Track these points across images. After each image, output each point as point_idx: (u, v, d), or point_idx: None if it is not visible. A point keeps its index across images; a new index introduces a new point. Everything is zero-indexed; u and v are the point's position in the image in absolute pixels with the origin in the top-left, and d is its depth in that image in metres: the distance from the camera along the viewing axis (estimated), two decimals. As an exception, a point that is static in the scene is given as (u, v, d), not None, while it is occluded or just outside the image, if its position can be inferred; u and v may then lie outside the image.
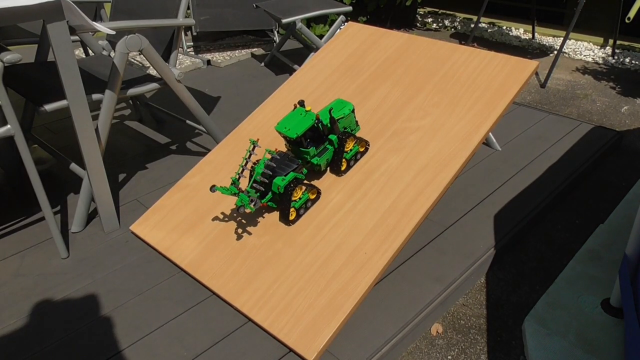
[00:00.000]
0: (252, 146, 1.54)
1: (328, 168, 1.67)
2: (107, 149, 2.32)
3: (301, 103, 1.60)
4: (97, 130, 1.68)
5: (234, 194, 1.46)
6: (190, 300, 1.46)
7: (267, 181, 1.51)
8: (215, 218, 1.63)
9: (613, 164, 2.28)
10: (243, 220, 1.60)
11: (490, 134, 2.13)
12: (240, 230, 1.57)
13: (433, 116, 1.72)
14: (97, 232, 1.75)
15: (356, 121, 1.70)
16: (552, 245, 1.79)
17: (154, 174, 2.11)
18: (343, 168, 1.63)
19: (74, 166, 1.80)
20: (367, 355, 1.27)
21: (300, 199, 1.53)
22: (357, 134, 1.73)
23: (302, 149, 1.57)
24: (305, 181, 1.57)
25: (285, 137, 1.57)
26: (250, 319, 1.38)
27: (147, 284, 1.52)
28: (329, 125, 1.60)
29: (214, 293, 1.47)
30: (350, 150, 1.63)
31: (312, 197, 1.57)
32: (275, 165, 1.53)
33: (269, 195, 1.54)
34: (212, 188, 1.46)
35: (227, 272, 1.47)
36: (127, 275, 1.55)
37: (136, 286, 1.51)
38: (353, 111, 1.66)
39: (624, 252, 1.46)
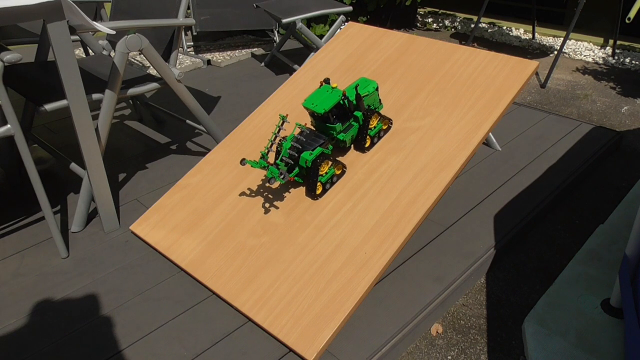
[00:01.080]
0: (281, 121, 1.58)
1: (352, 145, 1.71)
2: (107, 149, 2.32)
3: (327, 81, 1.65)
4: (97, 130, 1.68)
5: (263, 167, 1.51)
6: (190, 300, 1.46)
7: (296, 155, 1.55)
8: (215, 218, 1.63)
9: (613, 164, 2.28)
10: (243, 220, 1.60)
11: (490, 134, 2.13)
12: (240, 230, 1.57)
13: (433, 116, 1.72)
14: (97, 231, 1.75)
15: (379, 99, 1.75)
16: (552, 245, 1.79)
17: (154, 174, 2.11)
18: (367, 145, 1.67)
19: (74, 166, 1.80)
20: (367, 355, 1.27)
21: (326, 173, 1.57)
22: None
23: (328, 124, 1.61)
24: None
25: (312, 113, 1.61)
26: (250, 319, 1.38)
27: (147, 284, 1.52)
28: (354, 102, 1.64)
29: (214, 293, 1.47)
30: (374, 127, 1.67)
31: (338, 172, 1.62)
32: (303, 140, 1.57)
33: (296, 170, 1.58)
34: (243, 161, 1.51)
35: (227, 272, 1.47)
36: (127, 275, 1.55)
37: (136, 286, 1.51)
38: (377, 89, 1.71)
39: (624, 252, 1.46)
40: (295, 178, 1.62)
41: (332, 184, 1.60)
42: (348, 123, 1.64)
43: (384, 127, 1.71)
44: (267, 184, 1.66)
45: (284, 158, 1.54)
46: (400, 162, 1.61)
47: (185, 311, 1.42)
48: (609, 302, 1.44)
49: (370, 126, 1.66)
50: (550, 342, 1.32)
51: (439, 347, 1.41)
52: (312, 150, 1.55)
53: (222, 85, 3.07)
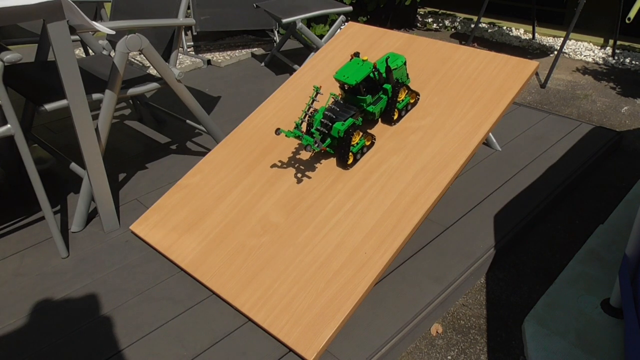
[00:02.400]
0: (315, 93, 1.62)
1: (380, 119, 1.75)
2: (107, 148, 2.32)
3: (357, 54, 1.70)
4: (97, 129, 1.68)
5: (298, 137, 1.57)
6: (190, 300, 1.46)
7: (329, 124, 1.59)
8: (215, 218, 1.63)
9: (613, 164, 2.28)
10: (243, 220, 1.60)
11: (490, 134, 2.13)
12: (240, 230, 1.57)
13: (433, 116, 1.72)
14: (97, 231, 1.75)
15: (407, 74, 1.79)
16: (552, 245, 1.79)
17: (154, 173, 2.11)
18: (395, 117, 1.71)
19: (74, 166, 1.80)
20: (367, 355, 1.27)
21: (357, 144, 1.62)
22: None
23: (359, 96, 1.65)
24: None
25: (342, 86, 1.66)
26: (250, 319, 1.38)
27: (147, 284, 1.52)
28: (384, 74, 1.68)
29: (214, 293, 1.47)
30: (402, 100, 1.71)
31: (368, 143, 1.66)
32: (337, 110, 1.62)
33: (328, 140, 1.62)
34: (277, 131, 1.55)
35: (227, 272, 1.47)
36: (127, 275, 1.55)
37: (136, 286, 1.51)
38: (405, 64, 1.75)
39: (624, 252, 1.46)
40: (327, 149, 1.67)
41: (363, 154, 1.66)
42: (377, 95, 1.69)
43: (412, 101, 1.75)
44: (302, 151, 1.74)
45: (317, 128, 1.59)
46: (400, 162, 1.61)
47: (185, 311, 1.42)
48: (609, 302, 1.44)
49: (398, 99, 1.70)
50: (550, 342, 1.32)
51: (439, 347, 1.41)
52: (344, 120, 1.59)
53: (222, 85, 3.07)
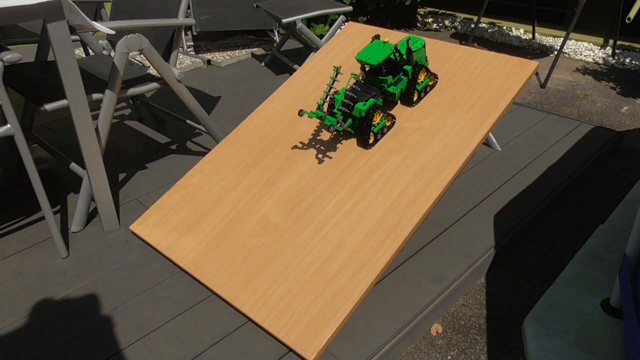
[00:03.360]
0: (335, 73, 1.63)
1: (399, 100, 1.79)
2: (107, 148, 2.32)
3: (377, 36, 1.73)
4: (97, 129, 1.68)
5: (320, 117, 1.59)
6: (190, 300, 1.46)
7: (351, 104, 1.62)
8: (215, 218, 1.63)
9: (613, 164, 2.28)
10: (243, 220, 1.60)
11: (490, 134, 2.13)
12: (240, 230, 1.57)
13: (433, 116, 1.72)
14: (97, 231, 1.75)
15: (426, 57, 1.82)
16: (552, 245, 1.79)
17: (154, 173, 2.11)
18: (414, 99, 1.74)
19: (74, 166, 1.80)
20: (367, 355, 1.27)
21: (378, 124, 1.65)
22: None
23: (380, 77, 1.69)
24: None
25: (364, 66, 1.70)
26: (250, 319, 1.38)
27: (147, 284, 1.52)
28: (405, 56, 1.72)
29: (214, 293, 1.47)
30: (422, 82, 1.75)
31: (388, 123, 1.70)
32: (358, 90, 1.66)
33: (350, 120, 1.66)
34: (300, 112, 1.57)
35: (227, 272, 1.47)
36: (127, 275, 1.55)
37: (136, 286, 1.51)
38: (424, 46, 1.79)
39: (624, 252, 1.46)
40: (349, 129, 1.69)
41: (383, 134, 1.69)
42: (398, 76, 1.72)
43: (430, 83, 1.78)
44: (324, 130, 1.78)
45: (340, 108, 1.63)
46: (400, 162, 1.61)
47: (185, 311, 1.42)
48: (609, 302, 1.44)
49: (418, 81, 1.73)
50: (550, 342, 1.32)
51: (439, 347, 1.41)
52: (366, 101, 1.62)
53: (222, 85, 3.07)
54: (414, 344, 1.42)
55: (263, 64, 3.42)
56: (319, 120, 1.84)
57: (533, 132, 2.37)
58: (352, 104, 1.63)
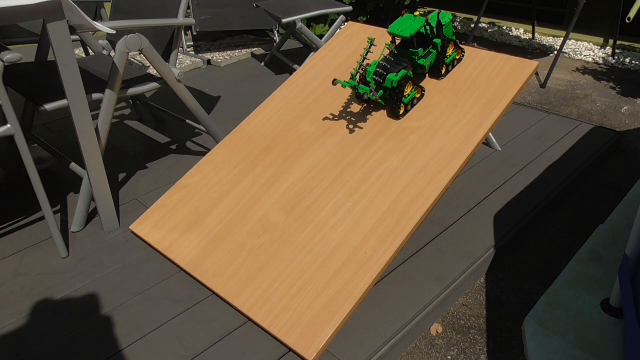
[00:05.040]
0: (370, 45, 1.67)
1: (428, 74, 1.84)
2: (107, 148, 2.32)
3: (407, 11, 1.80)
4: (97, 129, 1.68)
5: (354, 87, 1.63)
6: (190, 300, 1.46)
7: (385, 73, 1.66)
8: (215, 218, 1.63)
9: (613, 164, 2.28)
10: (243, 220, 1.60)
11: (490, 134, 2.13)
12: (240, 230, 1.57)
13: (433, 116, 1.72)
14: (97, 231, 1.75)
15: (453, 32, 1.85)
16: (552, 245, 1.79)
17: (154, 173, 2.11)
18: (443, 72, 1.78)
19: (74, 166, 1.80)
20: (367, 355, 1.27)
21: (409, 95, 1.70)
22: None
23: (411, 49, 1.73)
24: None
25: (397, 38, 1.75)
26: (250, 319, 1.38)
27: (147, 284, 1.52)
28: (435, 30, 1.77)
29: (214, 293, 1.47)
30: (450, 55, 1.79)
31: (418, 95, 1.75)
32: (392, 61, 1.70)
33: (381, 91, 1.71)
34: (335, 82, 1.60)
35: (227, 272, 1.47)
36: (127, 275, 1.55)
37: (136, 286, 1.51)
38: (452, 21, 1.83)
39: (624, 252, 1.46)
40: (379, 101, 1.73)
41: (413, 106, 1.74)
42: (428, 50, 1.77)
43: (458, 57, 1.82)
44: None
45: (374, 77, 1.67)
46: (400, 162, 1.61)
47: (185, 311, 1.42)
48: (609, 302, 1.44)
49: (446, 54, 1.78)
50: (550, 342, 1.32)
51: (439, 347, 1.41)
52: (397, 72, 1.66)
53: (222, 85, 3.07)
54: (414, 344, 1.42)
55: (263, 64, 3.42)
56: (319, 120, 1.83)
57: (533, 132, 2.37)
58: (385, 73, 1.66)
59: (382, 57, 1.72)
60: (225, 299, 1.42)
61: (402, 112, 1.71)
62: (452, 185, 1.96)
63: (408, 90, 1.69)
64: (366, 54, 1.67)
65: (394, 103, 1.69)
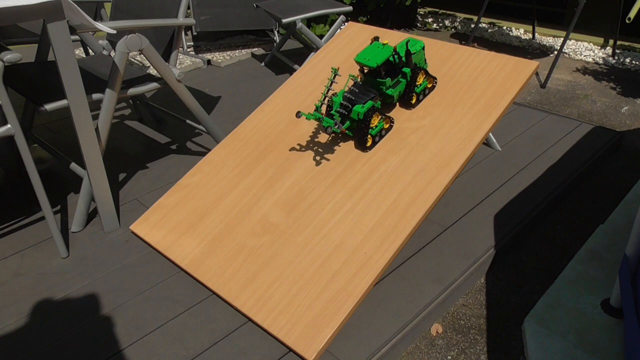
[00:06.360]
0: (333, 75, 1.63)
1: (398, 103, 1.79)
2: (107, 148, 2.32)
3: (376, 38, 1.72)
4: (97, 129, 1.68)
5: (318, 119, 1.59)
6: (190, 300, 1.46)
7: (349, 105, 1.62)
8: (215, 218, 1.63)
9: (613, 164, 2.28)
10: (243, 220, 1.60)
11: (490, 134, 2.13)
12: (240, 230, 1.57)
13: (433, 116, 1.72)
14: (97, 231, 1.75)
15: (425, 59, 1.81)
16: (552, 245, 1.79)
17: (154, 173, 2.11)
18: (413, 101, 1.74)
19: (74, 166, 1.80)
20: (367, 355, 1.27)
21: (376, 126, 1.65)
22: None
23: (378, 79, 1.68)
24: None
25: (363, 68, 1.69)
26: (250, 319, 1.38)
27: (147, 284, 1.52)
28: (404, 58, 1.71)
29: (214, 293, 1.47)
30: (420, 84, 1.74)
31: (386, 126, 1.69)
32: (356, 92, 1.65)
33: (347, 122, 1.65)
34: (298, 113, 1.57)
35: (227, 272, 1.47)
36: (127, 275, 1.55)
37: (136, 286, 1.51)
38: (423, 48, 1.78)
39: (624, 252, 1.46)
40: (347, 131, 1.68)
41: (381, 137, 1.68)
42: (396, 79, 1.71)
43: (429, 85, 1.78)
44: (321, 132, 1.77)
45: (338, 110, 1.62)
46: (400, 162, 1.61)
47: (185, 311, 1.42)
48: (609, 302, 1.44)
49: (416, 83, 1.73)
50: (550, 342, 1.33)
51: (439, 347, 1.41)
52: (364, 103, 1.61)
53: (222, 85, 3.07)
54: (414, 344, 1.42)
55: (263, 64, 3.42)
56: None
57: (533, 132, 2.37)
58: (350, 105, 1.62)
59: (347, 87, 1.65)
60: (225, 299, 1.42)
61: (369, 143, 1.65)
62: (452, 185, 1.96)
63: (375, 121, 1.63)
64: (330, 85, 1.62)
65: (361, 135, 1.63)
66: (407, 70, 1.72)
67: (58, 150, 2.19)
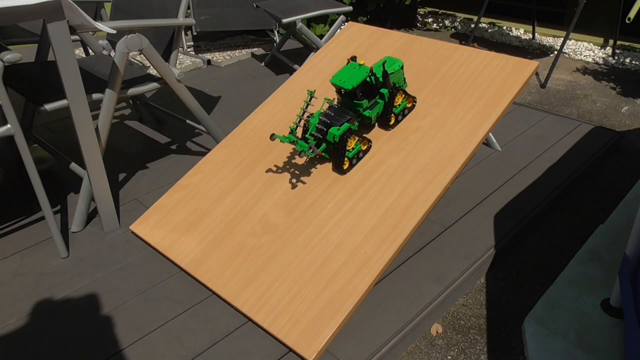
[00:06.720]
0: (309, 97, 1.60)
1: (376, 123, 1.74)
2: (107, 148, 2.32)
3: (354, 58, 1.67)
4: (97, 129, 1.68)
5: (293, 142, 1.54)
6: (190, 300, 1.46)
7: (324, 129, 1.58)
8: (215, 218, 1.63)
9: (613, 164, 2.28)
10: (243, 220, 1.60)
11: (490, 134, 2.13)
12: (240, 230, 1.57)
13: (433, 116, 1.72)
14: (97, 231, 1.75)
15: (404, 78, 1.77)
16: (552, 245, 1.79)
17: (154, 173, 2.11)
18: (391, 122, 1.70)
19: (74, 166, 1.80)
20: (367, 355, 1.27)
21: (353, 149, 1.60)
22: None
23: (355, 101, 1.63)
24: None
25: (339, 90, 1.64)
26: (250, 319, 1.38)
27: (147, 284, 1.52)
28: (381, 79, 1.67)
29: (214, 293, 1.47)
30: (399, 105, 1.70)
31: (364, 148, 1.65)
32: (332, 115, 1.60)
33: (324, 145, 1.61)
34: (272, 136, 1.53)
35: (227, 272, 1.47)
36: (127, 275, 1.55)
37: (136, 286, 1.51)
38: (402, 68, 1.73)
39: (624, 252, 1.46)
40: (323, 154, 1.65)
41: (359, 159, 1.64)
42: (374, 100, 1.67)
43: (408, 105, 1.74)
44: (296, 156, 1.72)
45: (312, 133, 1.57)
46: (400, 162, 1.61)
47: (185, 311, 1.42)
48: (609, 302, 1.44)
49: (395, 104, 1.69)
50: (550, 342, 1.33)
51: (439, 347, 1.41)
52: (340, 125, 1.57)
53: (222, 85, 3.07)
54: (414, 344, 1.42)
55: (263, 64, 3.42)
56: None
57: (533, 132, 2.37)
58: (325, 129, 1.58)
59: (323, 110, 1.59)
60: (225, 299, 1.42)
61: (346, 166, 1.60)
62: (452, 185, 1.96)
63: (352, 143, 1.59)
64: (306, 107, 1.59)
65: (337, 158, 1.59)
66: (384, 91, 1.68)
67: (58, 150, 2.19)
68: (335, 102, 1.68)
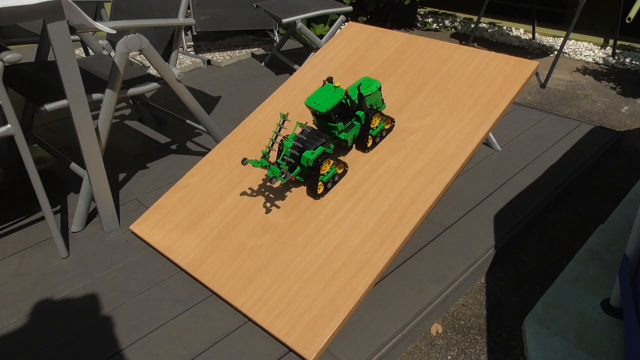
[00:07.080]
0: (282, 120, 1.57)
1: (354, 145, 1.71)
2: (107, 148, 2.32)
3: (330, 79, 1.64)
4: (97, 129, 1.68)
5: (265, 167, 1.51)
6: (190, 300, 1.46)
7: (297, 154, 1.55)
8: (215, 218, 1.63)
9: (613, 164, 2.28)
10: (243, 220, 1.60)
11: (490, 134, 2.13)
12: (240, 230, 1.57)
13: (433, 116, 1.72)
14: (97, 231, 1.75)
15: (382, 99, 1.74)
16: (552, 245, 1.79)
17: (154, 173, 2.11)
18: (369, 145, 1.67)
19: (74, 166, 1.80)
20: (367, 355, 1.27)
21: (328, 172, 1.57)
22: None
23: (330, 123, 1.60)
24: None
25: (314, 112, 1.61)
26: (250, 319, 1.38)
27: (147, 284, 1.52)
28: (357, 101, 1.64)
29: (214, 293, 1.47)
30: (376, 127, 1.67)
31: (340, 171, 1.61)
32: (305, 139, 1.57)
33: (298, 169, 1.57)
34: (244, 161, 1.50)
35: (227, 272, 1.47)
36: (127, 275, 1.55)
37: (136, 286, 1.51)
38: (380, 89, 1.70)
39: (624, 252, 1.46)
40: (297, 177, 1.62)
41: (334, 183, 1.60)
42: (350, 122, 1.63)
43: (386, 127, 1.70)
44: (269, 184, 1.67)
45: (285, 157, 1.53)
46: (400, 162, 1.61)
47: (185, 311, 1.42)
48: (609, 302, 1.44)
49: (372, 126, 1.65)
50: (550, 342, 1.33)
51: (439, 347, 1.41)
52: (314, 149, 1.54)
53: (222, 85, 3.07)
54: (414, 344, 1.42)
55: (263, 64, 3.42)
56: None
57: (533, 132, 2.37)
58: (298, 153, 1.55)
59: (295, 135, 1.56)
60: (225, 299, 1.42)
61: (320, 191, 1.56)
62: (452, 185, 1.96)
63: (326, 167, 1.55)
64: (278, 130, 1.55)
65: (312, 182, 1.55)
66: (360, 113, 1.64)
67: (58, 150, 2.19)
68: (310, 124, 1.62)
